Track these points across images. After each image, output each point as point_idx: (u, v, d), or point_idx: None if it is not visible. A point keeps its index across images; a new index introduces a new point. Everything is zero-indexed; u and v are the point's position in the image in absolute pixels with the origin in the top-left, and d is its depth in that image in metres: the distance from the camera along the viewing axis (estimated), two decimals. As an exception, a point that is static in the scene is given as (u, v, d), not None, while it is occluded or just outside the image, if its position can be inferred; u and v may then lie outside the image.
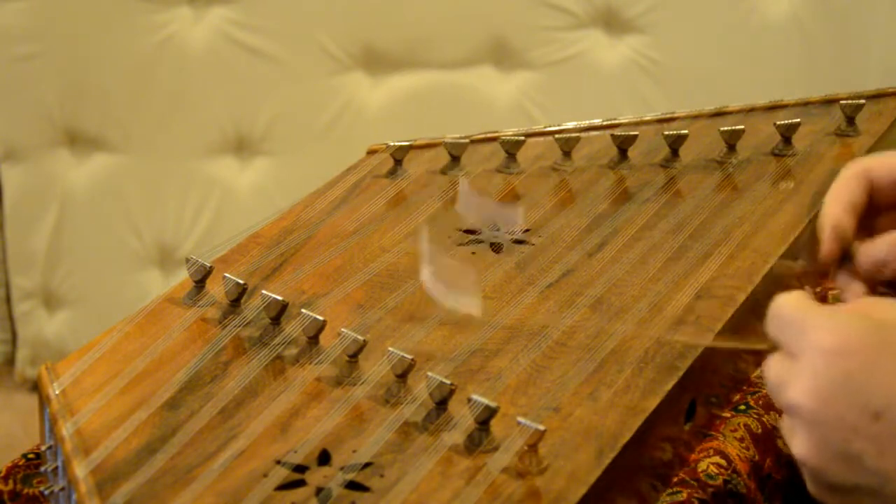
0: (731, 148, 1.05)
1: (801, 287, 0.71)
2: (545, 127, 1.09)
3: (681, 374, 0.79)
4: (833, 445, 0.63)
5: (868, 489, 0.63)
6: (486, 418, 0.73)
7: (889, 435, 0.61)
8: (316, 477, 0.71)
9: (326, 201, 0.99)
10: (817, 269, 0.77)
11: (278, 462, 0.72)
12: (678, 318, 0.84)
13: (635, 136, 1.05)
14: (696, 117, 1.10)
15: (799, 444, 0.64)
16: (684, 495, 0.79)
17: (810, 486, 0.66)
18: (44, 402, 0.78)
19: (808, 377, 0.63)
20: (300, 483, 0.71)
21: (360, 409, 0.76)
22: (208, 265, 0.87)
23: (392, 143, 1.04)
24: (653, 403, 0.76)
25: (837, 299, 0.94)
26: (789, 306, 0.66)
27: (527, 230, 0.95)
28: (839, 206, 0.76)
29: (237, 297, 0.86)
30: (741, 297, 0.86)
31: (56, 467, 0.76)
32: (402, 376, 0.78)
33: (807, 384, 0.63)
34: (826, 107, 1.11)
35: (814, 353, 0.63)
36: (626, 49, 1.91)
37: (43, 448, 0.80)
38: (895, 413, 0.61)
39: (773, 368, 0.66)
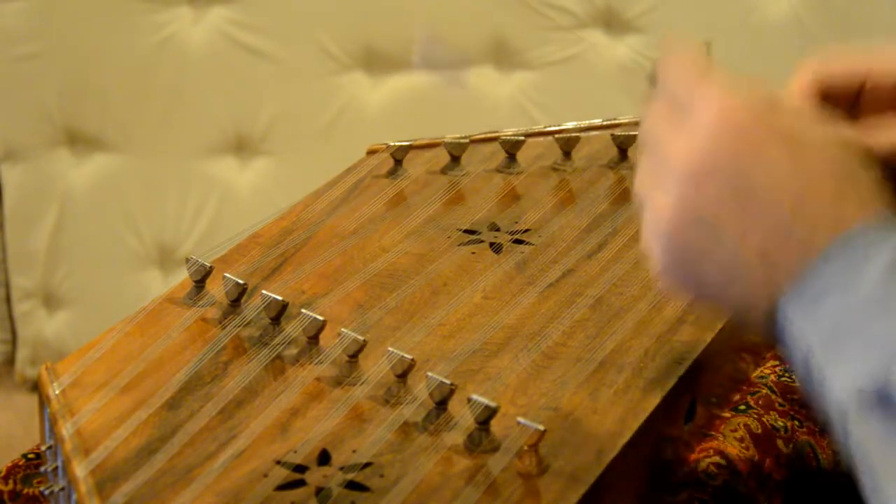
0: (731, 148, 1.05)
1: None
2: (545, 127, 1.09)
3: (681, 374, 0.79)
4: (699, 209, 0.60)
5: (718, 264, 0.61)
6: (486, 418, 0.73)
7: (756, 215, 0.59)
8: (316, 477, 0.71)
9: (326, 201, 0.99)
10: None
11: (278, 462, 0.72)
12: (678, 317, 0.84)
13: (635, 136, 1.05)
14: (696, 117, 1.10)
15: (664, 199, 0.62)
16: (684, 495, 0.79)
17: (658, 255, 0.63)
18: (44, 402, 0.78)
19: (695, 139, 0.61)
20: (300, 483, 0.71)
21: (360, 409, 0.76)
22: (208, 265, 0.87)
23: (392, 143, 1.04)
24: (653, 403, 0.76)
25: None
26: (691, 62, 0.64)
27: (527, 230, 0.95)
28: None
29: (237, 297, 0.86)
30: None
31: (56, 467, 0.76)
32: (402, 376, 0.78)
33: (693, 146, 0.61)
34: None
35: (707, 118, 0.61)
36: (626, 49, 1.91)
37: (43, 448, 0.80)
38: (769, 195, 0.59)
39: (660, 117, 0.64)
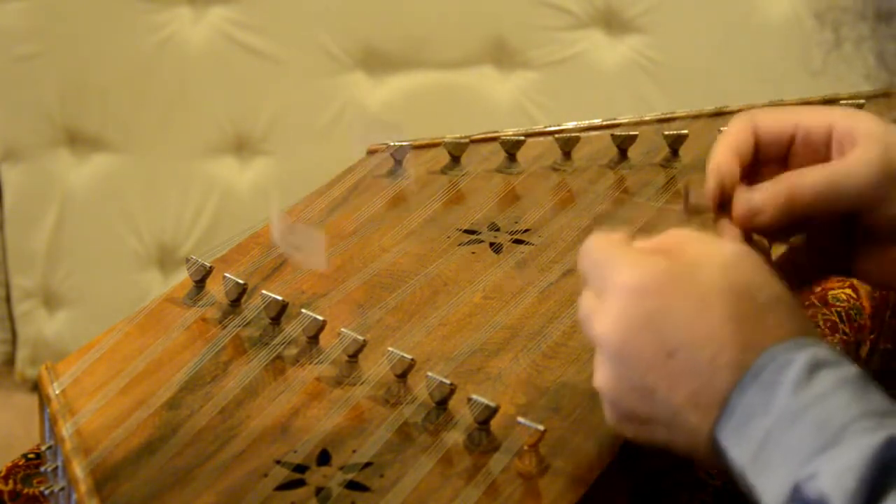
0: (731, 148, 1.05)
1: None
2: (545, 127, 1.09)
3: (681, 374, 0.78)
4: (631, 379, 0.66)
5: (660, 420, 0.66)
6: (486, 418, 0.73)
7: (680, 372, 0.65)
8: (316, 477, 0.71)
9: (326, 201, 0.99)
10: (698, 210, 0.78)
11: (278, 462, 0.72)
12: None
13: (635, 136, 1.05)
14: (696, 117, 1.10)
15: (601, 375, 0.68)
16: (684, 496, 0.79)
17: (608, 416, 0.69)
18: (44, 402, 0.78)
19: (612, 314, 0.67)
20: (300, 483, 0.71)
21: (360, 409, 0.76)
22: (208, 265, 0.87)
23: (392, 143, 1.04)
24: (653, 403, 0.76)
25: (838, 298, 0.94)
26: (599, 247, 0.70)
27: (527, 230, 0.95)
28: (725, 151, 0.77)
29: (237, 297, 0.86)
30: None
31: (56, 467, 0.76)
32: (402, 376, 0.78)
33: (611, 320, 0.67)
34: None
35: (619, 291, 0.67)
36: (626, 49, 1.91)
37: (43, 448, 0.80)
38: (687, 352, 0.65)
39: (584, 303, 0.70)
